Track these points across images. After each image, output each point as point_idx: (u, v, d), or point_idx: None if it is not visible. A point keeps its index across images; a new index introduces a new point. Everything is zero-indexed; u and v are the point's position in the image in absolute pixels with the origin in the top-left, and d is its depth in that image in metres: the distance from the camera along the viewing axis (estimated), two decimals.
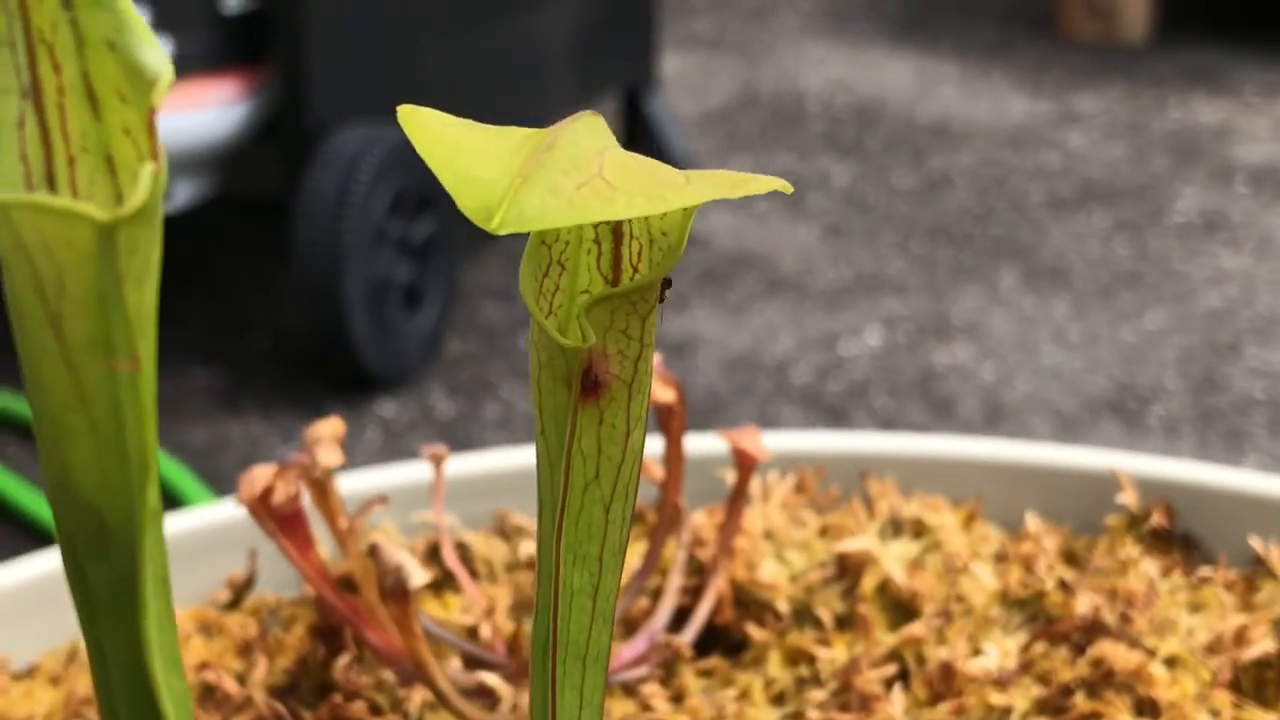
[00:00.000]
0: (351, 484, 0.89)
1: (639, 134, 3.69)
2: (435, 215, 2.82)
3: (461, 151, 0.37)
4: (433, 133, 0.38)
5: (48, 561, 0.84)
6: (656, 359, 0.82)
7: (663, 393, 0.79)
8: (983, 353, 2.88)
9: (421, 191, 2.78)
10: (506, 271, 3.27)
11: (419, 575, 0.70)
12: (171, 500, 2.26)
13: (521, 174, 0.37)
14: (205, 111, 2.61)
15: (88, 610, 0.32)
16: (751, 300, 3.11)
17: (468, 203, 0.36)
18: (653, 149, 3.66)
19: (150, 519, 0.31)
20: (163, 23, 2.59)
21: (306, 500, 0.79)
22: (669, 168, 0.39)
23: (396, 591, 0.70)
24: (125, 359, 0.29)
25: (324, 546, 0.84)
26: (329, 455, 0.77)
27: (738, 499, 0.82)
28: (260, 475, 0.75)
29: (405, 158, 2.72)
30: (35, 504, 2.22)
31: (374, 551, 0.71)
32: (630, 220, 0.43)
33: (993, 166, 3.81)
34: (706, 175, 0.38)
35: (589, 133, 0.40)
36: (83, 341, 0.29)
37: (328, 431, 0.78)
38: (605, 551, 0.44)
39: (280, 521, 0.76)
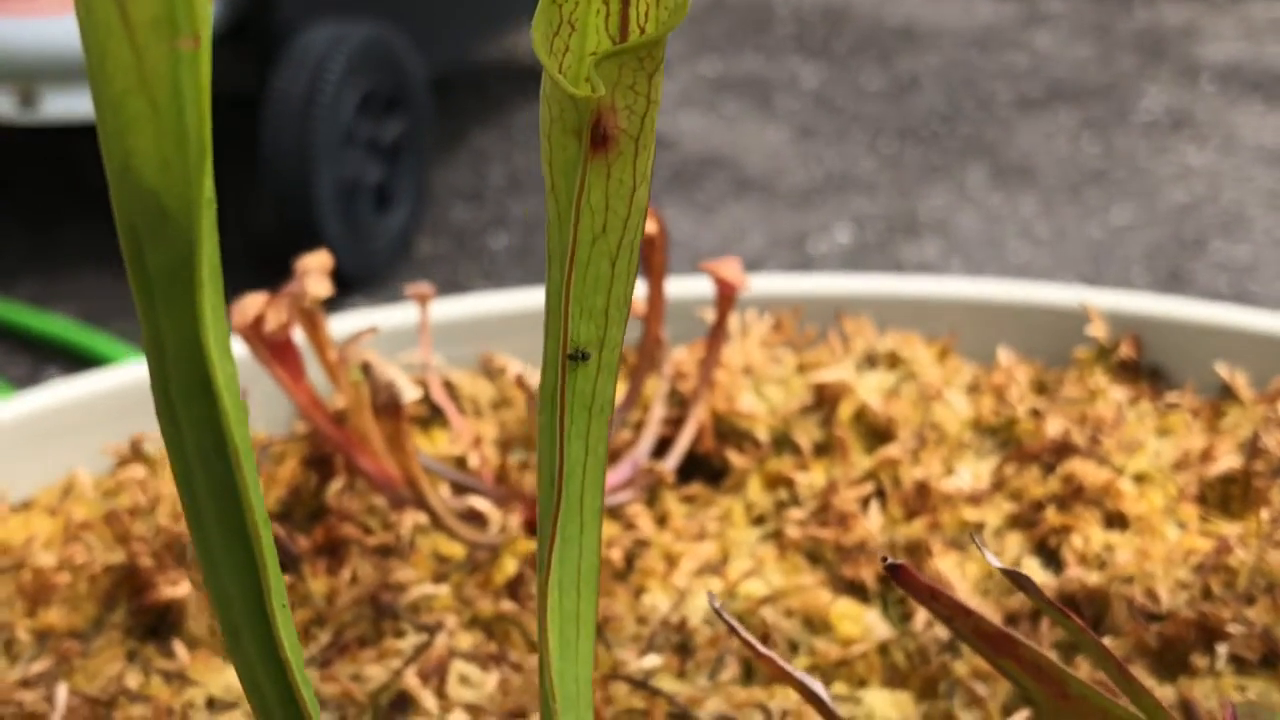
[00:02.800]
0: (339, 326, 0.90)
1: None
2: (404, 115, 2.81)
3: None
4: None
5: (40, 399, 0.86)
6: None
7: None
8: (951, 249, 2.90)
9: (391, 91, 2.77)
10: (476, 173, 3.27)
11: (411, 391, 0.72)
12: None
13: None
14: None
15: (146, 298, 0.34)
16: (721, 200, 3.12)
17: None
18: None
19: (206, 206, 0.33)
20: None
21: (299, 337, 0.80)
22: None
23: (390, 407, 0.72)
24: (188, 38, 0.31)
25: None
26: (318, 285, 0.78)
27: (719, 330, 0.84)
28: (252, 303, 0.77)
29: (374, 56, 2.71)
30: None
31: (367, 369, 0.73)
32: None
33: (960, 67, 3.82)
34: None
35: None
36: (148, 20, 0.31)
37: (316, 264, 0.80)
38: (611, 304, 0.46)
39: (272, 349, 0.77)
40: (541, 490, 0.47)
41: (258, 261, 2.80)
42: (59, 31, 2.48)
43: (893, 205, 3.07)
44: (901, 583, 0.54)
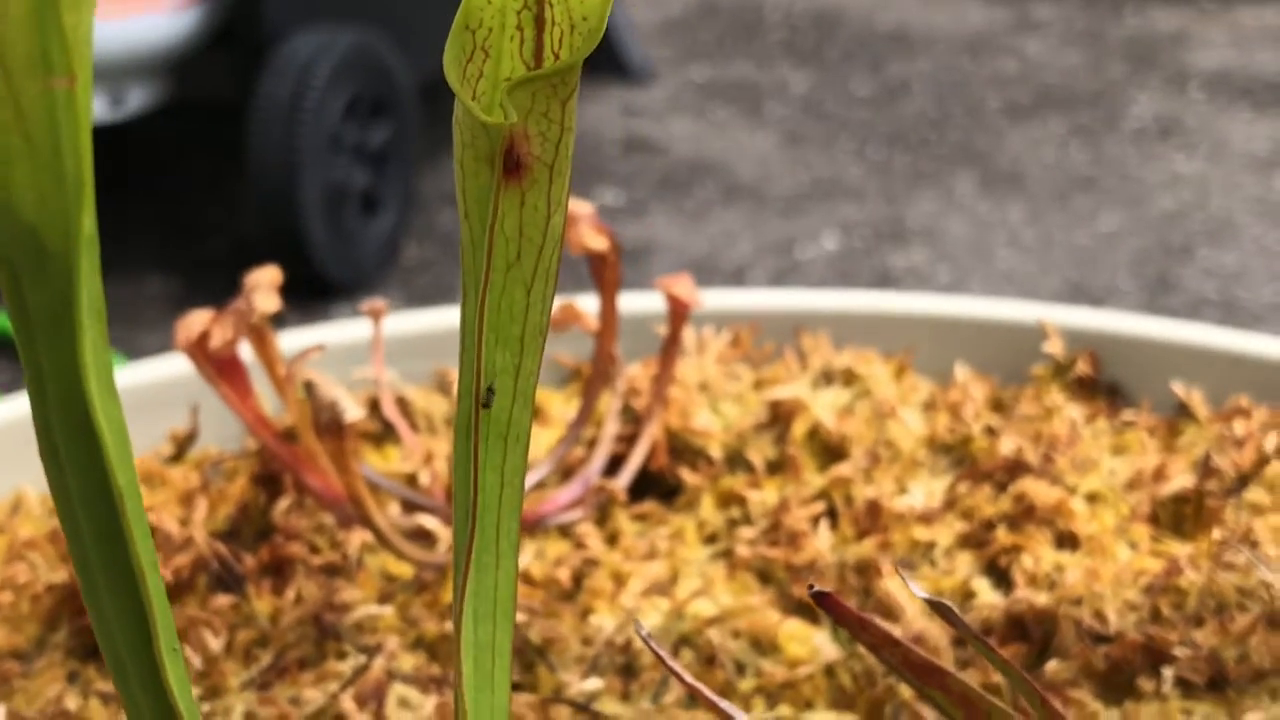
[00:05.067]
0: (291, 341, 0.90)
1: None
2: (391, 120, 2.81)
3: None
4: None
5: None
6: (589, 210, 0.84)
7: (595, 241, 0.80)
8: (938, 256, 2.90)
9: (377, 96, 2.77)
10: None
11: (354, 410, 0.71)
12: None
13: None
14: (158, 15, 2.59)
15: (26, 335, 0.34)
16: (709, 207, 3.11)
17: None
18: (610, 57, 3.65)
19: (86, 244, 0.33)
20: None
21: (248, 354, 0.80)
22: None
23: (332, 427, 0.71)
24: (63, 78, 0.31)
25: (266, 404, 0.85)
26: (266, 301, 0.78)
27: (671, 347, 0.83)
28: (197, 319, 0.76)
29: (360, 61, 2.71)
30: None
31: (309, 388, 0.72)
32: (552, 6, 0.44)
33: (950, 73, 3.81)
34: None
35: None
36: (22, 62, 0.31)
37: (265, 279, 0.79)
38: (526, 333, 0.46)
39: (218, 366, 0.77)
40: (457, 521, 0.47)
41: (244, 267, 2.80)
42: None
43: (881, 212, 3.07)
44: (829, 610, 0.53)
